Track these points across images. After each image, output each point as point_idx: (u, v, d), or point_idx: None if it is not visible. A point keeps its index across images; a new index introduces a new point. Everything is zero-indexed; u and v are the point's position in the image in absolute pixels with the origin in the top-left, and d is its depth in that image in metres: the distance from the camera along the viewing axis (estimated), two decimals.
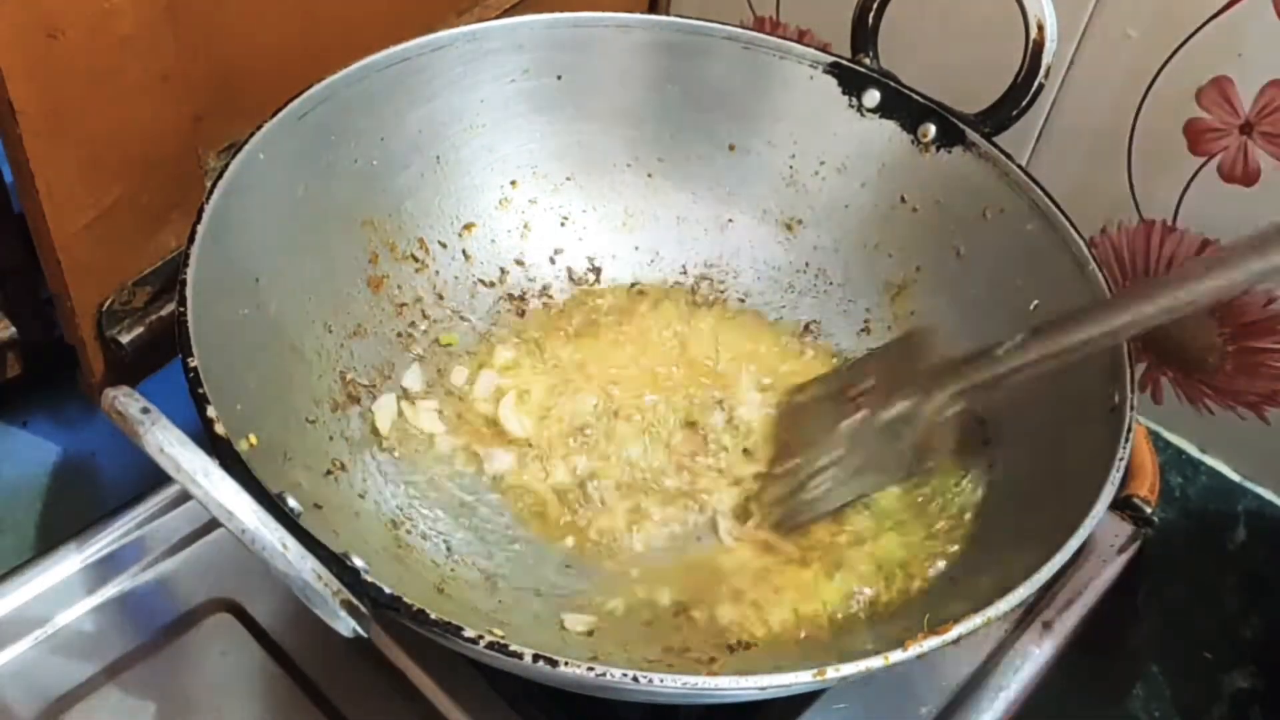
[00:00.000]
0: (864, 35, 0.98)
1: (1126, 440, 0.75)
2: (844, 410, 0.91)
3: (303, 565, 0.61)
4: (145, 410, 0.59)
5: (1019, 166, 0.91)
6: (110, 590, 0.90)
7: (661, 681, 0.62)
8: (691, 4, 1.26)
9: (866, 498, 0.89)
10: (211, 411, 0.67)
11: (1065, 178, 1.04)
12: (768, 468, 0.93)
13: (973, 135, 0.93)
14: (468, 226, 1.00)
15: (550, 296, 1.03)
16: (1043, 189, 0.89)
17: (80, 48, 0.76)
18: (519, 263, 1.02)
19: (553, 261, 1.04)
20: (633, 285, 1.04)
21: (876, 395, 0.90)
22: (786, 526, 0.89)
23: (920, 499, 0.89)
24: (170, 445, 0.59)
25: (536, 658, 0.61)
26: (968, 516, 0.86)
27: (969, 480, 0.88)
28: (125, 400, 0.60)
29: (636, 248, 1.05)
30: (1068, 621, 0.93)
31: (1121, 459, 0.74)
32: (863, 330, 1.01)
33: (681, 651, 0.80)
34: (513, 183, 1.02)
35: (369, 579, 0.63)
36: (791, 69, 0.99)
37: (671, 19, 1.00)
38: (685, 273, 1.05)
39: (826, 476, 0.89)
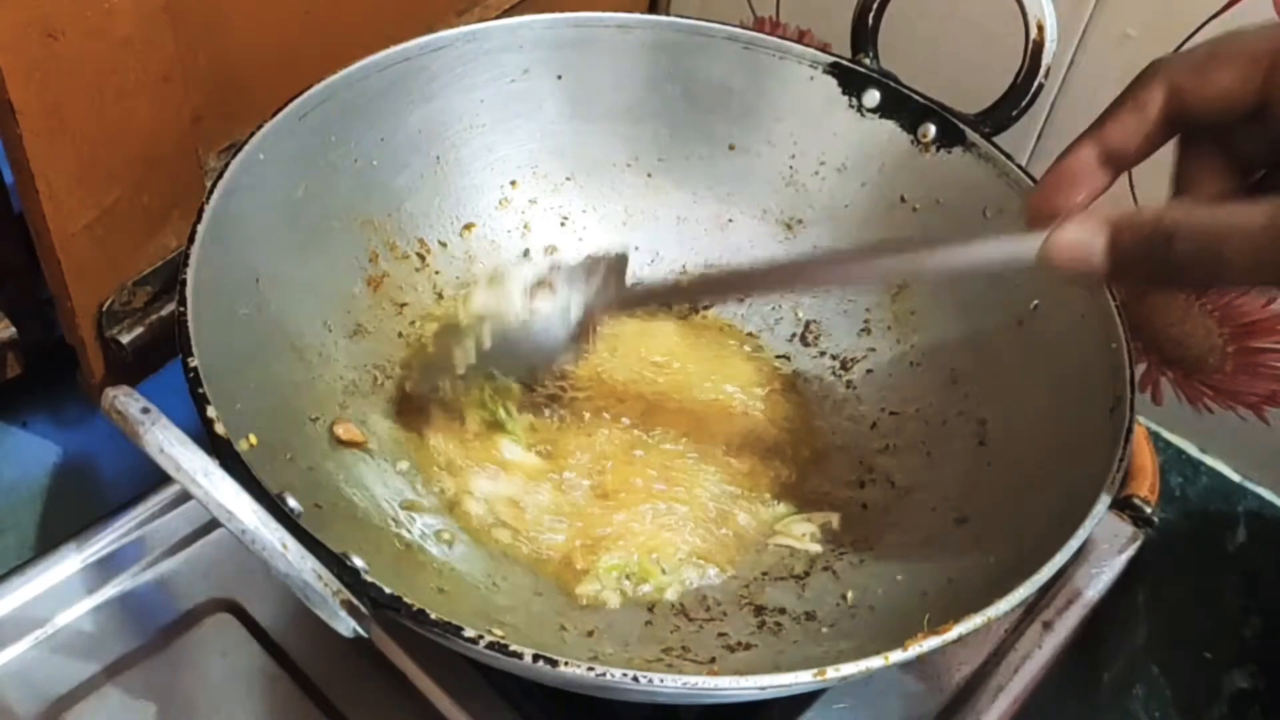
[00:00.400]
0: (864, 35, 0.98)
1: (1126, 441, 0.75)
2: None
3: (303, 565, 0.61)
4: (145, 410, 0.59)
5: (1019, 166, 0.91)
6: (110, 590, 0.90)
7: (661, 681, 0.62)
8: (691, 4, 1.27)
9: None
10: (211, 411, 0.67)
11: None
12: None
13: (973, 135, 0.93)
14: (468, 226, 1.00)
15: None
16: None
17: (80, 48, 0.76)
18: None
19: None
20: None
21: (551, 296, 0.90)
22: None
23: None
24: (170, 445, 0.59)
25: (536, 658, 0.61)
26: None
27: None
28: (125, 400, 0.60)
29: (636, 247, 1.05)
30: (1068, 621, 0.93)
31: (1121, 459, 0.74)
32: (863, 330, 1.01)
33: (681, 652, 0.80)
34: (513, 183, 1.02)
35: (369, 579, 0.63)
36: (791, 69, 1.00)
37: (671, 19, 1.00)
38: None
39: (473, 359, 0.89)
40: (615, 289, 0.89)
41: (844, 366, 1.00)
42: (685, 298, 0.93)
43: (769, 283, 0.92)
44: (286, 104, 0.86)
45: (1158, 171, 1.00)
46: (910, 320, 0.98)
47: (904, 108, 0.97)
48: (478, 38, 0.96)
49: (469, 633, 0.62)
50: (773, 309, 1.03)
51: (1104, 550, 0.97)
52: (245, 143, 0.82)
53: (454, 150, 0.99)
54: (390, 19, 0.99)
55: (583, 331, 0.88)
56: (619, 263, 0.91)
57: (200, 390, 0.68)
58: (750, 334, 1.03)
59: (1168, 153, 0.97)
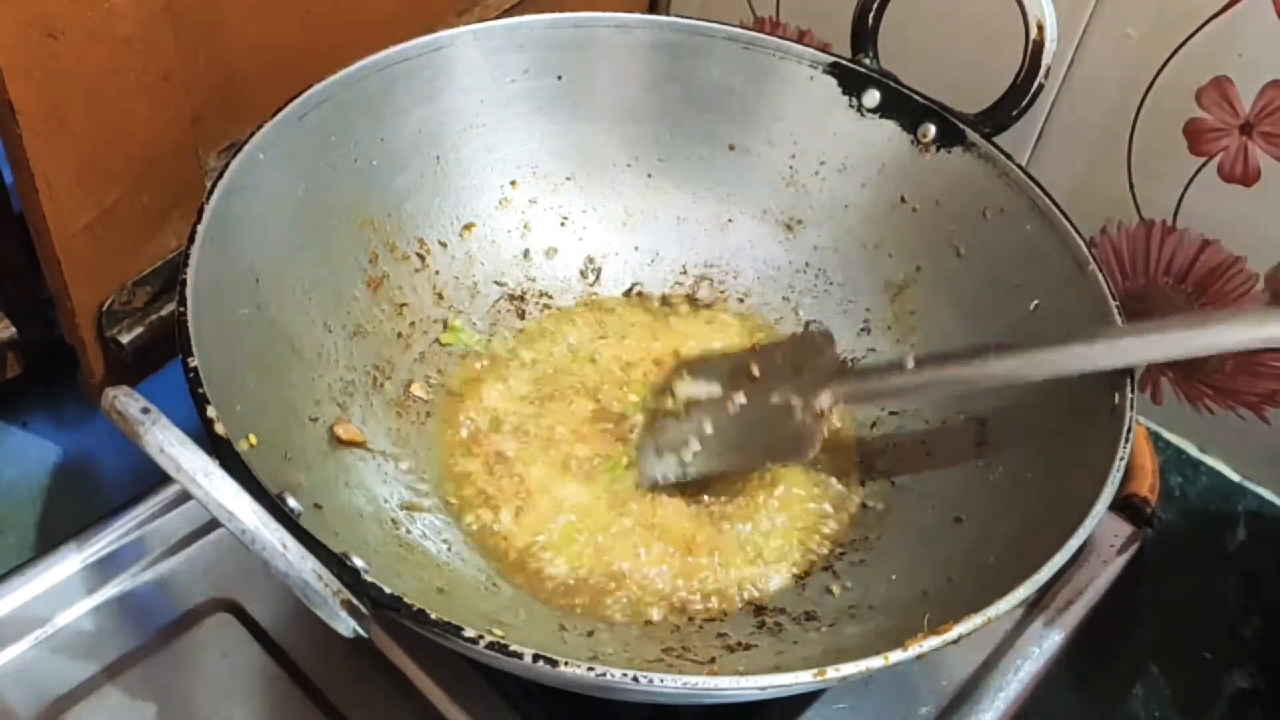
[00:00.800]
0: (864, 35, 0.98)
1: (1126, 441, 0.75)
2: (731, 389, 0.95)
3: (303, 565, 0.61)
4: (145, 410, 0.59)
5: (1019, 166, 0.91)
6: (110, 590, 0.90)
7: (661, 682, 0.62)
8: (691, 4, 1.27)
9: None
10: (211, 411, 0.67)
11: (1065, 177, 1.04)
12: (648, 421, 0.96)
13: (972, 135, 0.93)
14: (468, 227, 1.00)
15: (550, 297, 1.03)
16: (1043, 189, 0.89)
17: (80, 48, 0.76)
18: (519, 263, 1.02)
19: (553, 262, 1.04)
20: (632, 286, 1.04)
21: (762, 383, 0.94)
22: (649, 482, 0.92)
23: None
24: (170, 445, 0.59)
25: (536, 658, 0.61)
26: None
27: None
28: (125, 400, 0.60)
29: (636, 248, 1.05)
30: (1068, 621, 0.93)
31: (1121, 459, 0.74)
32: (862, 330, 1.01)
33: (681, 652, 0.80)
34: (513, 183, 1.02)
35: (369, 579, 0.63)
36: (791, 69, 1.00)
37: (672, 19, 1.00)
38: (685, 273, 1.05)
39: (699, 447, 0.92)
40: (834, 375, 0.91)
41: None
42: (915, 395, 0.93)
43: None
44: (286, 104, 0.86)
45: (1159, 170, 1.00)
46: (910, 320, 0.98)
47: (904, 108, 0.97)
48: (478, 38, 0.96)
49: (469, 633, 0.62)
50: (772, 308, 1.03)
51: (1104, 550, 0.97)
52: (245, 142, 0.82)
53: (454, 150, 0.99)
54: (390, 19, 0.99)
55: (812, 425, 0.90)
56: (826, 342, 0.95)
57: (200, 390, 0.68)
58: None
59: (1170, 148, 0.98)
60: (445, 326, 0.98)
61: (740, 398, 0.93)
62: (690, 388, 0.96)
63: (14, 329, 0.92)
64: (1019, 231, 0.90)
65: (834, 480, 0.93)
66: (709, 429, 0.92)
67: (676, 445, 0.92)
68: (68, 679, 0.85)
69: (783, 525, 0.90)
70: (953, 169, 0.95)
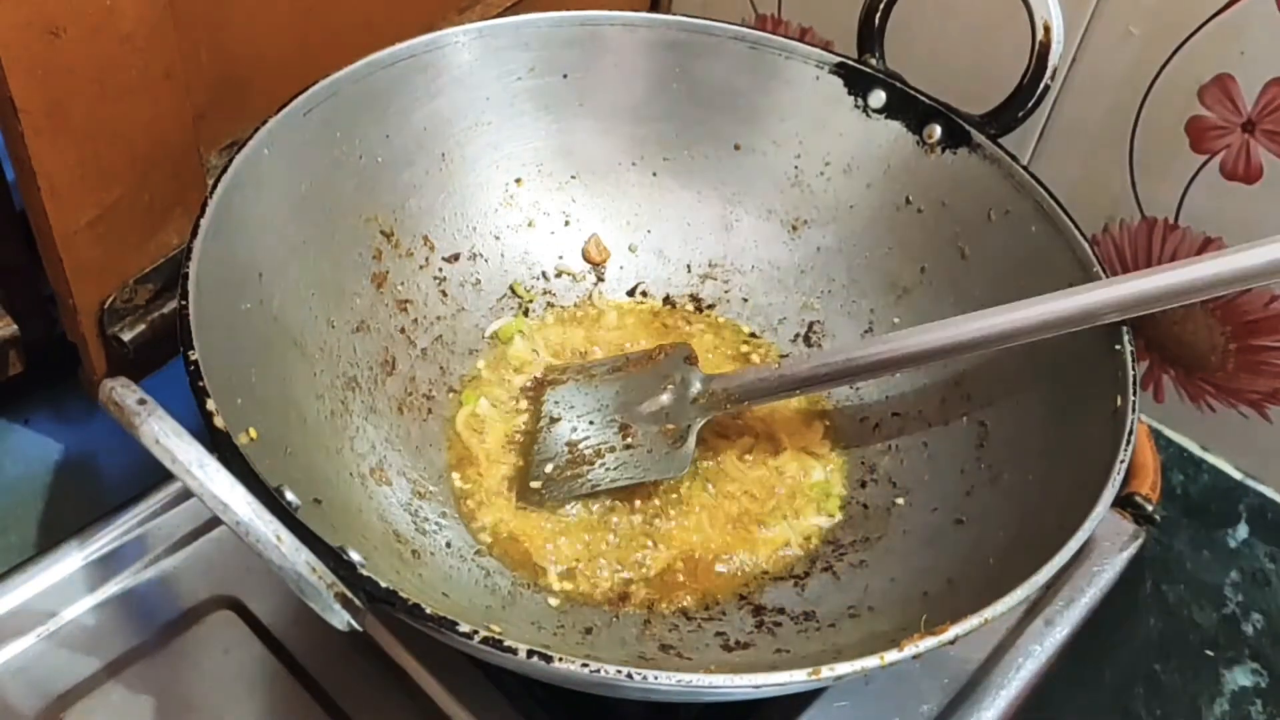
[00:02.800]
0: (870, 36, 0.98)
1: (1128, 444, 0.75)
2: (597, 407, 0.95)
3: (297, 558, 0.60)
4: (142, 401, 0.59)
5: (1024, 168, 0.90)
6: (112, 587, 0.90)
7: (655, 678, 0.61)
8: (693, 1, 1.26)
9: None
10: (211, 404, 0.67)
11: (1067, 175, 1.04)
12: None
13: (978, 137, 0.93)
14: (472, 224, 1.00)
15: (553, 295, 1.03)
16: (1048, 191, 0.88)
17: (82, 45, 0.76)
18: (523, 261, 1.03)
19: (558, 259, 1.04)
20: (636, 285, 1.04)
21: (631, 400, 0.95)
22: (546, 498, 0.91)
23: None
24: (166, 436, 0.58)
25: (531, 653, 0.61)
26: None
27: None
28: (122, 391, 0.60)
29: (640, 247, 1.05)
30: (1068, 620, 0.92)
31: (1123, 462, 0.73)
32: (867, 331, 1.00)
33: (680, 650, 0.80)
34: (518, 180, 1.02)
35: (365, 573, 0.63)
36: (797, 69, 0.99)
37: (678, 18, 1.00)
38: (689, 272, 1.05)
39: (562, 465, 0.92)
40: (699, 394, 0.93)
41: None
42: (785, 392, 0.92)
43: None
44: (291, 99, 0.86)
45: (1161, 168, 1.00)
46: (914, 321, 0.97)
47: (910, 108, 0.97)
48: (484, 35, 0.96)
49: (463, 628, 0.62)
50: (776, 309, 1.04)
51: (1105, 548, 0.97)
52: (250, 138, 0.83)
53: (459, 148, 0.99)
54: (392, 18, 0.99)
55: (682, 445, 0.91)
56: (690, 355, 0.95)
57: (200, 383, 0.68)
58: (753, 334, 1.03)
59: (1173, 146, 0.98)
60: (448, 324, 0.98)
61: (609, 416, 0.94)
62: (558, 406, 0.96)
63: (15, 326, 0.92)
64: (1024, 234, 0.90)
65: (835, 481, 0.93)
66: (582, 448, 0.93)
67: (543, 462, 0.92)
68: (70, 676, 0.85)
69: (783, 525, 0.90)
70: (958, 170, 0.95)
